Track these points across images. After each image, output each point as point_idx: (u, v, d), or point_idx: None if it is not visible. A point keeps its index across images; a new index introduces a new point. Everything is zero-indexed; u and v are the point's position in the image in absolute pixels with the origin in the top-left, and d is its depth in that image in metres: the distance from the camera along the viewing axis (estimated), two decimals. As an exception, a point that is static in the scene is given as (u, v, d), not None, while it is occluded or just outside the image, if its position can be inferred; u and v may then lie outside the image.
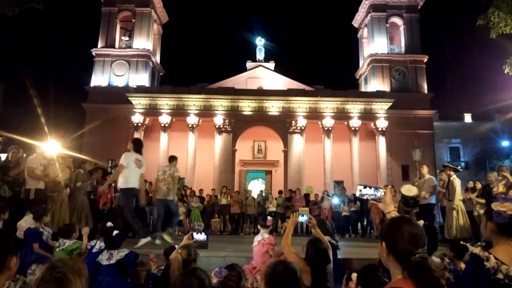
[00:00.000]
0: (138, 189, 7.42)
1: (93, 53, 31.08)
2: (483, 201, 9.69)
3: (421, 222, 3.48)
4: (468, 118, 31.73)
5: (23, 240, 5.35)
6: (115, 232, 4.68)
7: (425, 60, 31.22)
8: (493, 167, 19.46)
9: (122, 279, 4.48)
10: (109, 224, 5.16)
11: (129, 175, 7.22)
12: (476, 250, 2.38)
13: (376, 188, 2.52)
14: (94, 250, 4.90)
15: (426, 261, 1.68)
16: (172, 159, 8.95)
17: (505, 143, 27.97)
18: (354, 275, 3.24)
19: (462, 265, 4.19)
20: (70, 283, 1.70)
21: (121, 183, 7.27)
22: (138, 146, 7.60)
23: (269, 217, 6.08)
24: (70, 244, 5.23)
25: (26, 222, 5.91)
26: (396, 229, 1.79)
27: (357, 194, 2.62)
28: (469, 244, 3.87)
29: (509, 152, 27.11)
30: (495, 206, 2.38)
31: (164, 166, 9.24)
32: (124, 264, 4.46)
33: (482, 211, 9.45)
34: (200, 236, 4.14)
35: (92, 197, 9.19)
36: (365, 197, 2.55)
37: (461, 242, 4.37)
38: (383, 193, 2.45)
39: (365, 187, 2.55)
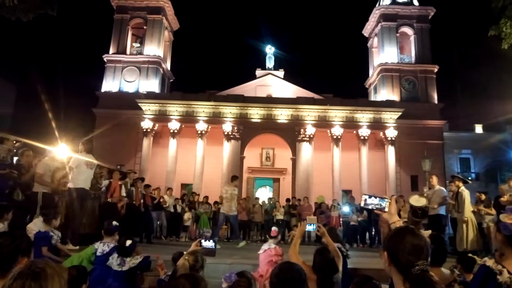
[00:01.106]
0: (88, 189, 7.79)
1: (105, 59, 31.45)
2: (493, 211, 9.56)
3: (428, 232, 3.44)
4: (479, 128, 31.43)
5: (33, 243, 5.38)
6: (129, 242, 4.67)
7: (436, 70, 31.08)
8: (504, 178, 19.22)
9: (129, 286, 4.48)
10: (114, 223, 5.16)
11: (78, 175, 7.47)
12: (490, 262, 2.35)
13: (382, 198, 2.50)
14: (98, 253, 4.87)
15: (427, 273, 1.65)
16: (233, 179, 11.04)
17: (516, 155, 27.61)
18: None
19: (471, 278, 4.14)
20: (47, 278, 1.62)
21: (70, 183, 7.52)
22: (89, 147, 7.84)
23: (273, 228, 6.06)
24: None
25: (36, 225, 5.94)
26: (399, 240, 1.78)
27: (362, 203, 2.61)
28: (479, 257, 3.81)
29: (520, 164, 26.75)
30: (503, 217, 2.37)
31: (226, 185, 11.35)
32: (138, 269, 4.49)
33: (491, 223, 9.33)
34: (208, 244, 4.14)
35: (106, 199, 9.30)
36: (369, 207, 2.53)
37: (469, 255, 4.30)
38: (388, 203, 2.43)
39: (370, 196, 2.53)
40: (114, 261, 4.48)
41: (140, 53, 31.89)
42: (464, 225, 9.13)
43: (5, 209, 5.82)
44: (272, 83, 32.33)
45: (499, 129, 29.48)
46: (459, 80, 54.28)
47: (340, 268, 3.85)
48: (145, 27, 32.38)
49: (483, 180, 27.58)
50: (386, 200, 2.47)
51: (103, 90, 30.78)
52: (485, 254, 8.70)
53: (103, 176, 9.48)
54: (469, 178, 23.43)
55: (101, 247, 4.88)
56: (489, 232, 9.07)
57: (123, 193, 9.68)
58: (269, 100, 28.81)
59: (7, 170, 7.20)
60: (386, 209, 2.41)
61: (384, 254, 1.82)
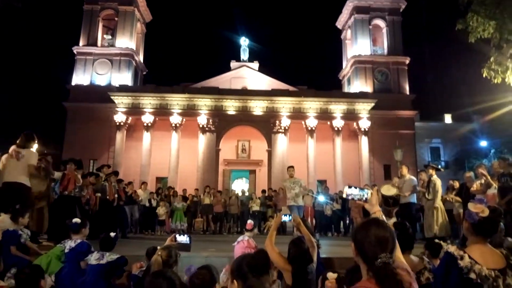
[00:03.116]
0: (22, 183, 6.51)
1: (75, 51, 30.57)
2: (460, 199, 9.87)
3: (393, 220, 3.51)
4: (448, 118, 32.39)
5: (1, 242, 5.21)
6: (113, 234, 4.60)
7: (407, 62, 31.72)
8: (472, 166, 19.89)
9: (105, 282, 4.40)
10: (75, 220, 5.03)
11: (6, 168, 6.55)
12: (452, 248, 2.44)
13: (362, 189, 2.50)
14: (66, 251, 4.76)
15: (389, 265, 1.71)
16: (288, 169, 11.36)
17: (483, 144, 28.66)
18: (330, 275, 3.20)
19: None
20: None
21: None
22: (24, 139, 6.70)
23: (249, 221, 6.09)
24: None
25: (3, 223, 5.74)
26: (364, 232, 1.83)
27: (344, 195, 2.59)
28: (445, 243, 3.93)
29: (487, 152, 27.76)
30: (470, 206, 2.46)
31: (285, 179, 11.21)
32: (114, 267, 4.40)
33: (461, 210, 9.64)
34: (183, 238, 4.10)
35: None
36: (350, 197, 2.50)
37: (436, 240, 4.42)
38: (369, 194, 2.45)
39: (350, 187, 2.52)
40: (92, 257, 4.40)
41: (112, 45, 31.15)
42: (435, 211, 9.39)
43: None
44: (247, 75, 32.25)
45: (468, 119, 30.47)
46: (429, 72, 55.66)
47: (315, 258, 3.90)
48: (116, 19, 31.62)
49: (452, 169, 28.48)
50: (366, 190, 2.46)
51: (73, 83, 29.94)
52: (454, 239, 9.00)
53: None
54: (440, 167, 24.16)
55: (68, 244, 4.78)
56: (460, 218, 9.36)
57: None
58: (244, 92, 28.76)
59: None
60: (368, 199, 2.41)
61: (352, 245, 1.88)
